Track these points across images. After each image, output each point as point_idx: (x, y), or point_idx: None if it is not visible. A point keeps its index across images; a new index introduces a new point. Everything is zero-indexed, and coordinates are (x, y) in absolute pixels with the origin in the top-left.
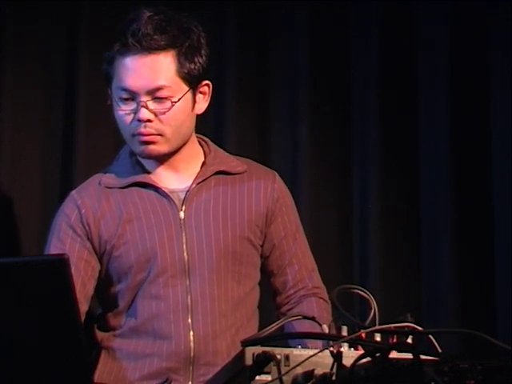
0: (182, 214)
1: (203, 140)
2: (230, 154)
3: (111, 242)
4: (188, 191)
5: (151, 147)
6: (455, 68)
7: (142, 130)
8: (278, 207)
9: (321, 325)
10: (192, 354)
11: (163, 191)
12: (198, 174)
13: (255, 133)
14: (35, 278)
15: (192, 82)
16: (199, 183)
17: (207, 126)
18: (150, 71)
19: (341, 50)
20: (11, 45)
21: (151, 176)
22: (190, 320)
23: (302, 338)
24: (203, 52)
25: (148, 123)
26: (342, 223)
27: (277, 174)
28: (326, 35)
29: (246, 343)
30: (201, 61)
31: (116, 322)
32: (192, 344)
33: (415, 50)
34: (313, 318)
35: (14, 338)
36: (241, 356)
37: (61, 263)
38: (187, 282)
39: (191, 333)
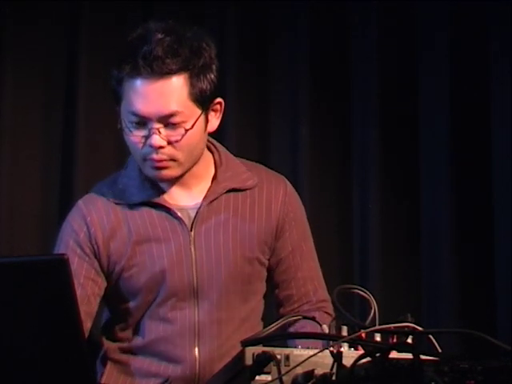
0: (192, 236)
1: (213, 145)
2: (234, 155)
3: (120, 264)
4: (198, 211)
5: (164, 172)
6: (455, 68)
7: (155, 156)
8: (288, 222)
9: (321, 325)
10: (197, 377)
11: (174, 212)
12: (209, 190)
13: (255, 133)
14: (35, 278)
15: (205, 102)
16: (210, 202)
17: None
18: (162, 97)
19: (341, 49)
20: (11, 45)
21: (161, 193)
22: (196, 345)
23: (302, 338)
24: (214, 67)
25: (160, 149)
26: (341, 223)
27: (287, 182)
28: (326, 35)
29: (246, 343)
30: (212, 77)
31: (123, 335)
32: (197, 368)
33: (415, 50)
34: (313, 319)
35: (13, 338)
36: (241, 356)
37: (61, 263)
38: (195, 306)
39: (198, 357)
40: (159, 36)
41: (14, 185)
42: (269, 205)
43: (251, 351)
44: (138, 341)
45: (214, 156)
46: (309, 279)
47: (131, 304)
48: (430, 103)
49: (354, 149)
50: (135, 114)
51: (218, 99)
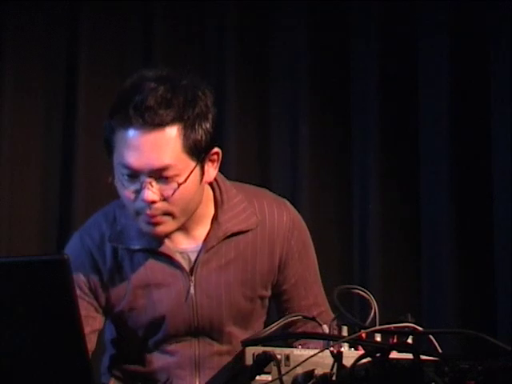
0: (192, 281)
1: (215, 180)
2: (230, 178)
3: (119, 306)
4: (199, 254)
5: (158, 229)
6: (455, 68)
7: (148, 211)
8: (291, 256)
9: (321, 325)
10: None
11: (175, 259)
12: (210, 233)
13: (255, 133)
14: (35, 278)
15: (200, 153)
16: (210, 249)
17: None
18: (154, 149)
19: (341, 50)
20: (11, 45)
21: (161, 239)
22: (197, 376)
23: (303, 337)
24: (210, 116)
25: (153, 204)
26: (341, 223)
27: (289, 208)
28: (325, 35)
29: (247, 343)
30: (208, 127)
31: (125, 357)
32: None
33: (415, 50)
34: (313, 319)
35: (13, 338)
36: (241, 356)
37: (61, 263)
38: (196, 341)
39: None
40: (152, 85)
41: (13, 185)
42: (271, 242)
43: (251, 351)
44: (139, 367)
45: (214, 193)
46: (313, 305)
47: (130, 338)
48: (429, 103)
49: (354, 149)
50: (126, 167)
51: (215, 149)
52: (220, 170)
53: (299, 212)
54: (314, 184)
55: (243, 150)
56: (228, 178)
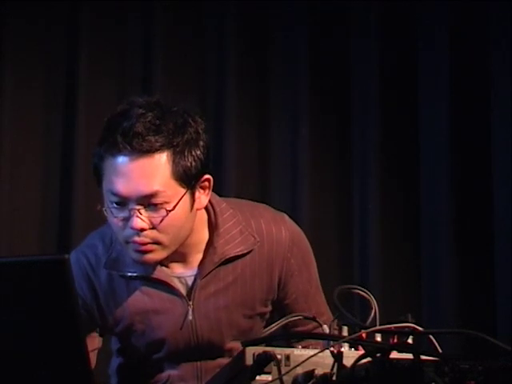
0: (191, 306)
1: (210, 203)
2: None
3: (117, 328)
4: (196, 280)
5: (148, 256)
6: (455, 68)
7: (137, 238)
8: (290, 273)
9: (321, 325)
10: None
11: (172, 286)
12: (205, 259)
13: (255, 133)
14: (35, 278)
15: (189, 180)
16: (207, 274)
17: (207, 127)
18: (143, 176)
19: (341, 50)
20: (11, 44)
21: (157, 265)
22: None
23: (303, 337)
24: (201, 143)
25: (142, 231)
26: (341, 223)
27: (287, 223)
28: (325, 35)
29: (247, 343)
30: (198, 153)
31: (131, 365)
32: None
33: (415, 50)
34: (313, 318)
35: (13, 338)
36: (241, 356)
37: (61, 263)
38: (198, 357)
39: None
40: (141, 111)
41: (14, 185)
42: (270, 262)
43: (252, 351)
44: (143, 377)
45: (209, 216)
46: (316, 315)
47: (133, 352)
48: (429, 103)
49: (354, 149)
50: (115, 194)
51: (206, 176)
52: (220, 172)
53: (299, 212)
54: (314, 184)
55: (243, 150)
56: (228, 178)
